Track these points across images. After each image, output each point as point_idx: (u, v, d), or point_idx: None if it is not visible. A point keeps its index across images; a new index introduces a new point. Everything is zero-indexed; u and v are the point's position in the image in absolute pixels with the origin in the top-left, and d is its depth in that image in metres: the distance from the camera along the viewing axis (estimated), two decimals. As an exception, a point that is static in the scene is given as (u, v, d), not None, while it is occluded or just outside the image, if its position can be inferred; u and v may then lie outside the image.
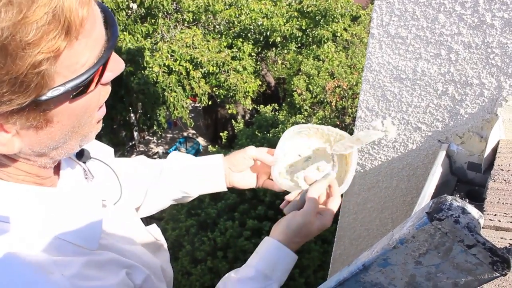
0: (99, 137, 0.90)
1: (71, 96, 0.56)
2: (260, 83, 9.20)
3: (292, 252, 0.99)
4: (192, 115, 11.33)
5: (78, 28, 0.52)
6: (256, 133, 6.66)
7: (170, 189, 1.19)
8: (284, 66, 10.45)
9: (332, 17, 8.37)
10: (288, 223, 1.00)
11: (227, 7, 8.60)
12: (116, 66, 0.62)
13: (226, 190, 1.21)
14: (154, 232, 1.04)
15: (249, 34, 8.70)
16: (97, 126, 0.68)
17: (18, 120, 0.54)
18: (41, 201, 0.67)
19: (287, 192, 1.15)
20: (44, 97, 0.52)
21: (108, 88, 0.66)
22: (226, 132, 8.57)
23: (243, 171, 1.21)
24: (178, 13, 8.38)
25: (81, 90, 0.57)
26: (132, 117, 9.16)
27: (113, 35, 0.59)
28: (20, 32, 0.46)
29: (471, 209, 0.49)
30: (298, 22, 8.54)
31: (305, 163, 1.24)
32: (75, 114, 0.59)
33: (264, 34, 8.55)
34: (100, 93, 0.64)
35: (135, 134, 11.59)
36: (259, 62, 9.62)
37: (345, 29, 8.90)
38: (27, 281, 0.57)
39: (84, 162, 0.85)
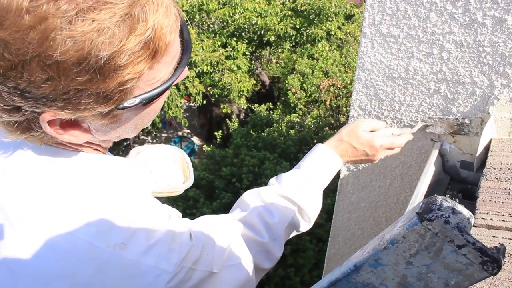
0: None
1: (142, 105, 0.62)
2: (255, 82, 9.19)
3: (329, 149, 1.00)
4: (187, 114, 11.32)
5: (162, 53, 0.58)
6: (251, 132, 6.65)
7: None
8: (278, 65, 10.44)
9: (326, 15, 8.38)
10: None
11: (221, 6, 8.58)
12: (183, 74, 0.67)
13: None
14: None
15: (243, 33, 8.69)
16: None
17: (92, 121, 0.62)
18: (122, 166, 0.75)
19: None
20: (120, 106, 0.59)
21: (168, 92, 0.71)
22: (221, 131, 8.56)
23: None
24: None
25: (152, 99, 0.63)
26: (127, 117, 9.09)
27: (187, 51, 0.65)
28: (115, 58, 0.53)
29: (461, 209, 0.49)
30: (292, 21, 8.54)
31: None
32: (141, 117, 0.67)
33: (258, 33, 8.54)
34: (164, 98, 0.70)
35: (130, 134, 11.49)
36: (253, 61, 9.62)
37: (339, 28, 8.91)
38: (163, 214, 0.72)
39: None
